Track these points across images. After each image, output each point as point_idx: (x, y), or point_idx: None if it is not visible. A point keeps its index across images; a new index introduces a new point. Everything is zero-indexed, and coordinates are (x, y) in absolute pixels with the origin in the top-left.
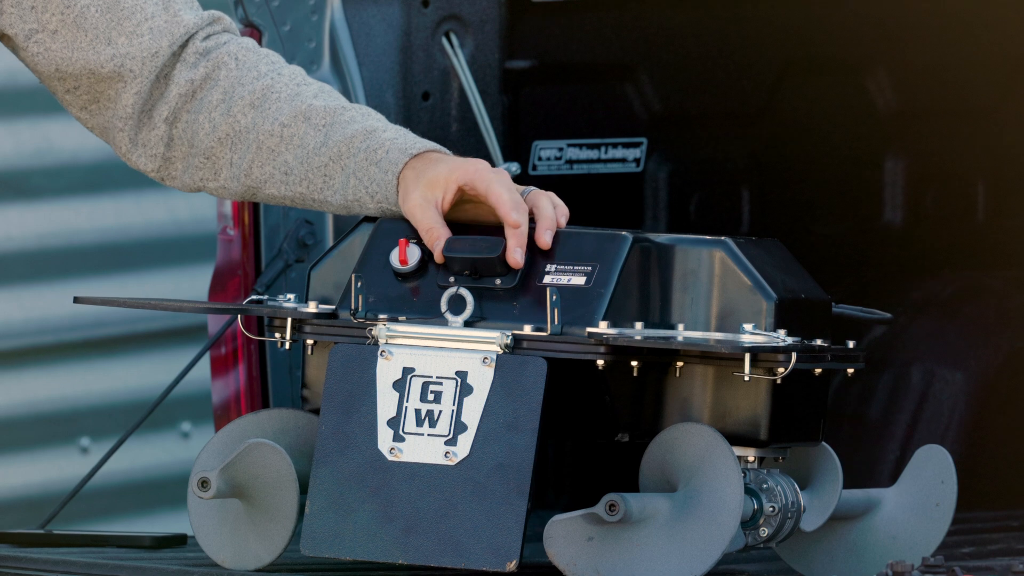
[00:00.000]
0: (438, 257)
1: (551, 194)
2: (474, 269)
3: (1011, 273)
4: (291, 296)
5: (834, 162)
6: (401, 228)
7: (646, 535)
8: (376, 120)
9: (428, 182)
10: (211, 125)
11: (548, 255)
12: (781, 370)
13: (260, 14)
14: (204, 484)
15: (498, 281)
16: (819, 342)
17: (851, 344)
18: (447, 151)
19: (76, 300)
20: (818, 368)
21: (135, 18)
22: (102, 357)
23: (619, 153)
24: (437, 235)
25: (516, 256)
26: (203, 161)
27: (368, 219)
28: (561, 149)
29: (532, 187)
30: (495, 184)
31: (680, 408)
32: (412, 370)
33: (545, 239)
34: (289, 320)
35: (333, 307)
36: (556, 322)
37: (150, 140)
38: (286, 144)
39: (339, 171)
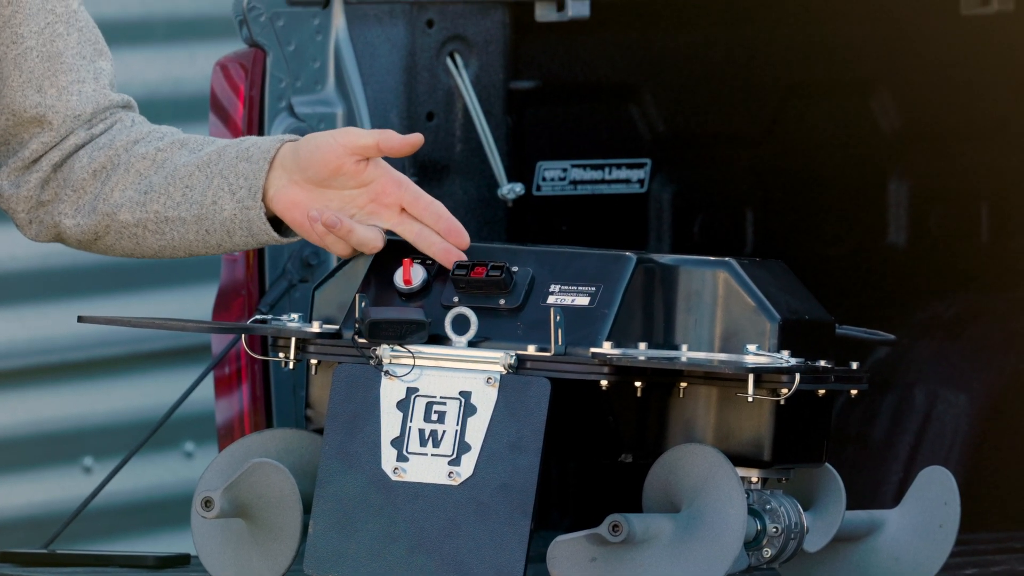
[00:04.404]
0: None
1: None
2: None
3: (1015, 294)
4: (295, 316)
5: (838, 183)
6: (405, 248)
7: (649, 556)
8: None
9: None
10: (89, 159)
11: (554, 276)
12: (785, 391)
13: (265, 34)
14: (207, 504)
15: (502, 301)
16: (823, 363)
17: (855, 365)
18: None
19: (80, 319)
20: (822, 389)
21: (70, 76)
22: (106, 376)
23: (623, 174)
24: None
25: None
26: (69, 194)
27: None
28: (565, 170)
29: (381, 163)
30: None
31: (683, 429)
32: (416, 390)
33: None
34: (293, 340)
35: (337, 327)
36: (560, 342)
37: (29, 181)
38: (157, 167)
39: (203, 178)
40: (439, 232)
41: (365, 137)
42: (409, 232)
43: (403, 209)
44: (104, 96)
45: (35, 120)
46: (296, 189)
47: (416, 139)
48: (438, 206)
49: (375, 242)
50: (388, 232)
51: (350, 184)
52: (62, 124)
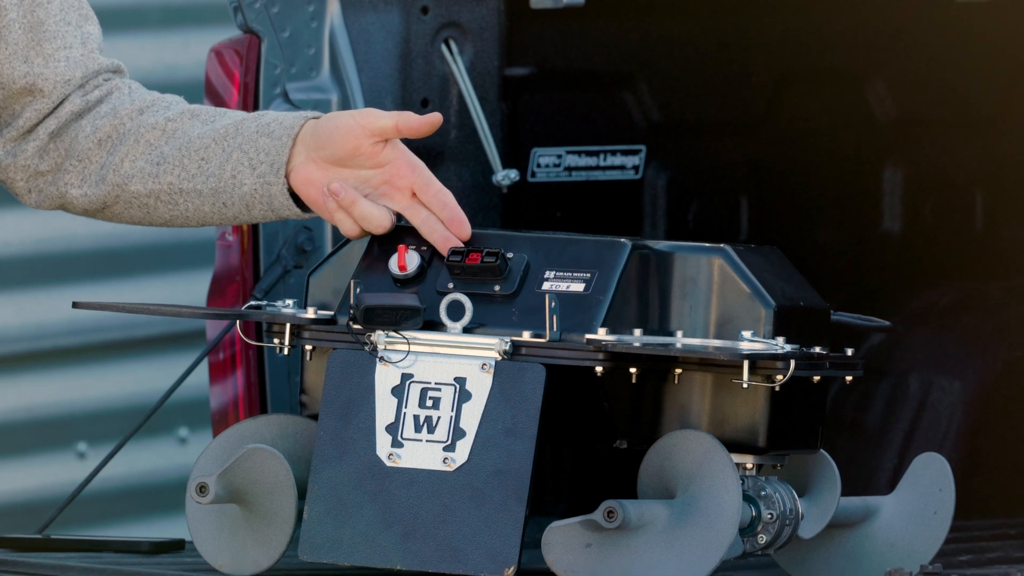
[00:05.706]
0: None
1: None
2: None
3: (1009, 282)
4: (290, 302)
5: (833, 170)
6: (400, 234)
7: (644, 542)
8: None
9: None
10: (92, 128)
11: (549, 263)
12: (780, 377)
13: (259, 20)
14: (202, 489)
15: (497, 287)
16: (817, 350)
17: (849, 352)
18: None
19: (75, 305)
20: (816, 376)
21: (55, 43)
22: (100, 362)
23: (618, 160)
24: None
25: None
26: (75, 164)
27: None
28: (560, 156)
29: (397, 145)
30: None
31: (678, 415)
32: (411, 376)
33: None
34: (288, 326)
35: (332, 313)
36: (555, 328)
37: (26, 150)
38: (167, 137)
39: (219, 151)
40: (442, 220)
41: (384, 119)
42: (416, 217)
43: (415, 194)
44: (93, 60)
45: (25, 90)
46: (313, 166)
47: (435, 118)
48: (446, 195)
49: (380, 220)
50: (398, 217)
51: (367, 164)
52: (53, 90)
